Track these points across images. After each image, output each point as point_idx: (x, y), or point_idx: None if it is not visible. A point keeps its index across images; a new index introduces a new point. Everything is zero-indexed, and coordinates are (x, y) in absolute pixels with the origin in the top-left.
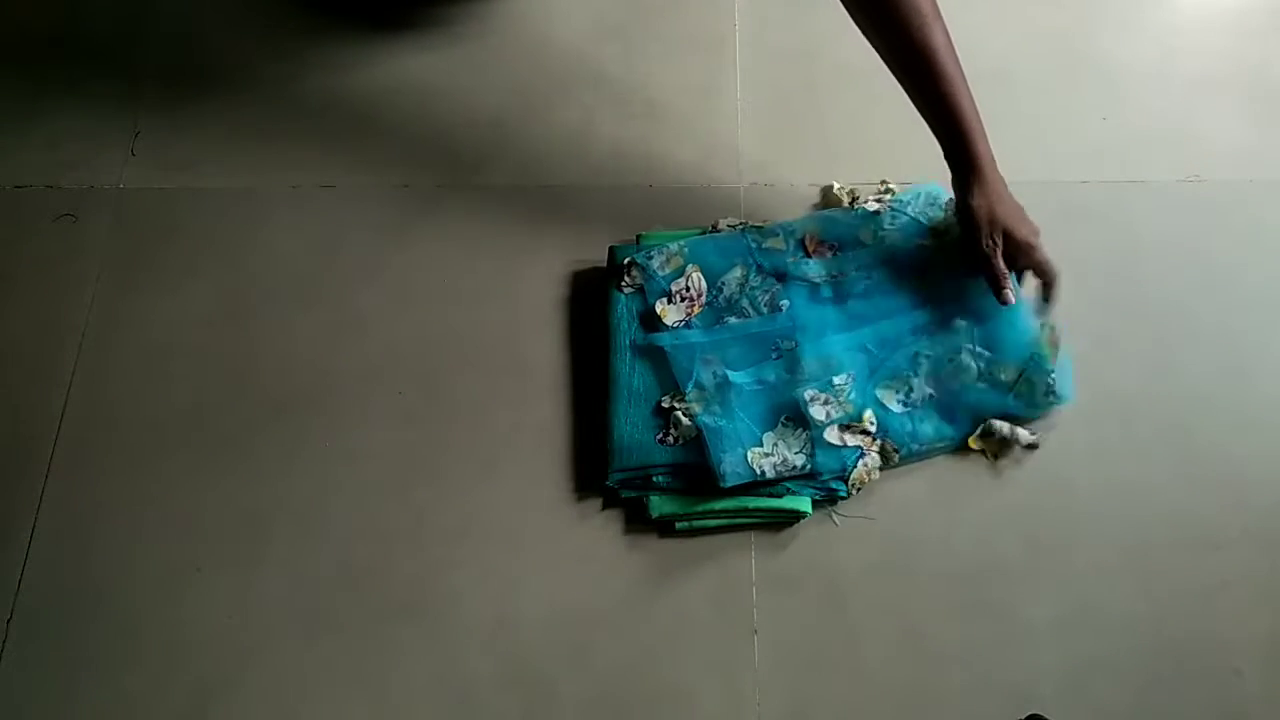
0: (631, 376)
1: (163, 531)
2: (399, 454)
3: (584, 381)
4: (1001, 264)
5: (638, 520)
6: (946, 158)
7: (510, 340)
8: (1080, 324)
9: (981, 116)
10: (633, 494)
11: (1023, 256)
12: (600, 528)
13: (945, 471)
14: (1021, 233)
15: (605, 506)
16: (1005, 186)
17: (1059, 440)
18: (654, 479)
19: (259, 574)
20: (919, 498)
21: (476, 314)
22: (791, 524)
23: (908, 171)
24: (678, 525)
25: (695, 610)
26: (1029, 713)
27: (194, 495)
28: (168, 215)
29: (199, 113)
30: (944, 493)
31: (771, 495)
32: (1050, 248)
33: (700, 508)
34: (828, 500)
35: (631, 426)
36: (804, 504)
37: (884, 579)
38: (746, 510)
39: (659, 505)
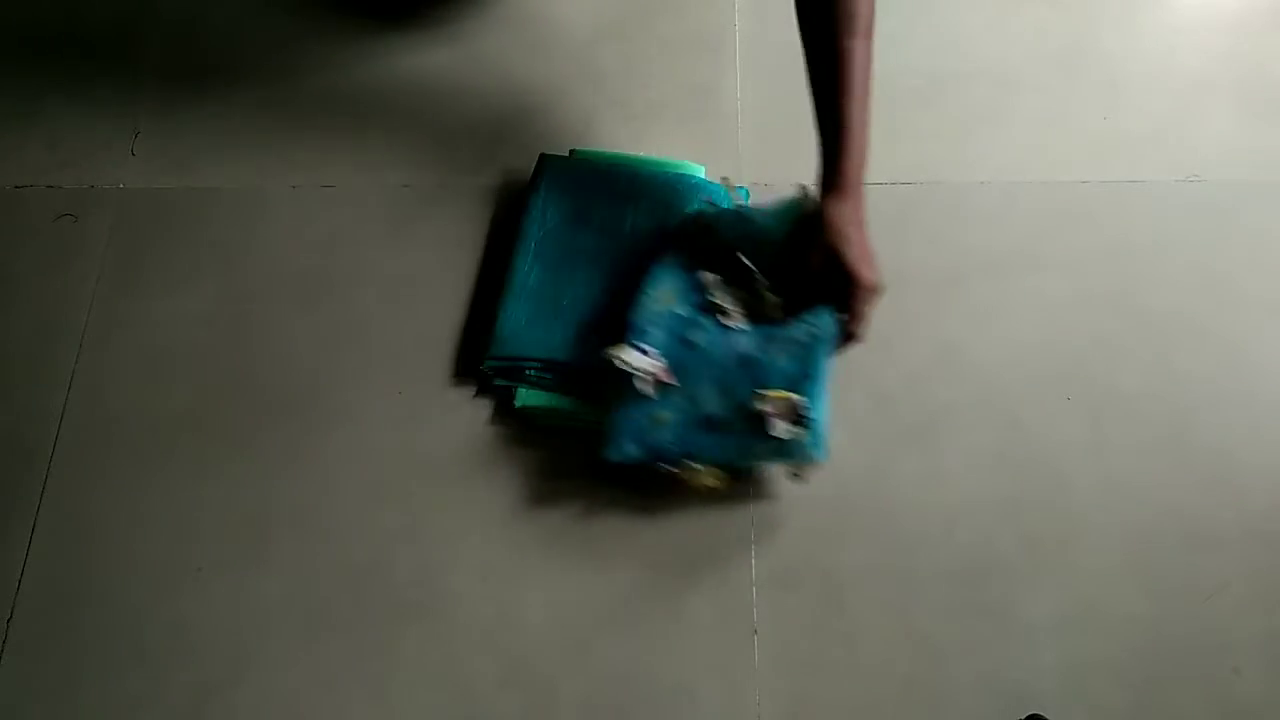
0: (529, 275)
1: (163, 531)
2: (399, 454)
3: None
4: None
5: (520, 423)
6: (821, 170)
7: None
8: (1080, 324)
9: (867, 154)
10: (504, 383)
11: (850, 289)
12: (601, 528)
13: (945, 470)
14: (857, 265)
15: (606, 505)
16: (863, 225)
17: (1059, 440)
18: (526, 373)
19: (259, 574)
20: (919, 497)
21: (476, 314)
22: None
23: (907, 171)
24: (538, 422)
25: (695, 610)
26: (1029, 713)
27: (194, 495)
28: (168, 215)
29: (199, 113)
30: (944, 492)
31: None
32: (1050, 248)
33: (560, 407)
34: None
35: (514, 320)
36: None
37: (884, 578)
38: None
39: (524, 397)
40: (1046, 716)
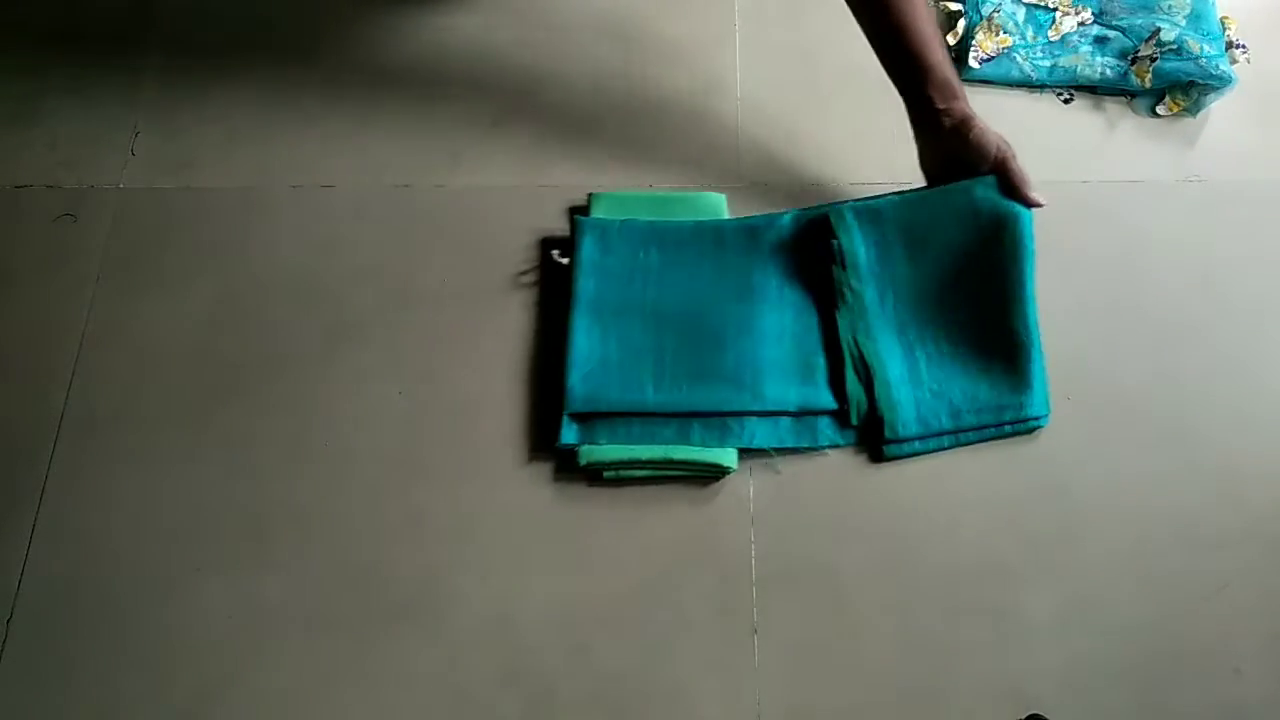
0: (589, 337)
1: (163, 531)
2: (399, 454)
3: None
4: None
5: (599, 485)
6: (909, 96)
7: (510, 339)
8: (1080, 324)
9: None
10: (574, 443)
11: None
12: (601, 528)
13: (945, 470)
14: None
15: (606, 505)
16: (973, 122)
17: (1059, 440)
18: (603, 429)
19: (259, 574)
20: (919, 497)
21: (477, 314)
22: (717, 479)
23: (909, 172)
24: (605, 474)
25: (695, 610)
26: (1029, 713)
27: (194, 495)
28: (168, 215)
29: (199, 113)
30: (945, 492)
31: (700, 446)
32: (1050, 247)
33: (627, 457)
34: (759, 454)
35: (586, 382)
36: (729, 457)
37: (884, 579)
38: (672, 462)
39: (588, 454)
40: (1046, 716)
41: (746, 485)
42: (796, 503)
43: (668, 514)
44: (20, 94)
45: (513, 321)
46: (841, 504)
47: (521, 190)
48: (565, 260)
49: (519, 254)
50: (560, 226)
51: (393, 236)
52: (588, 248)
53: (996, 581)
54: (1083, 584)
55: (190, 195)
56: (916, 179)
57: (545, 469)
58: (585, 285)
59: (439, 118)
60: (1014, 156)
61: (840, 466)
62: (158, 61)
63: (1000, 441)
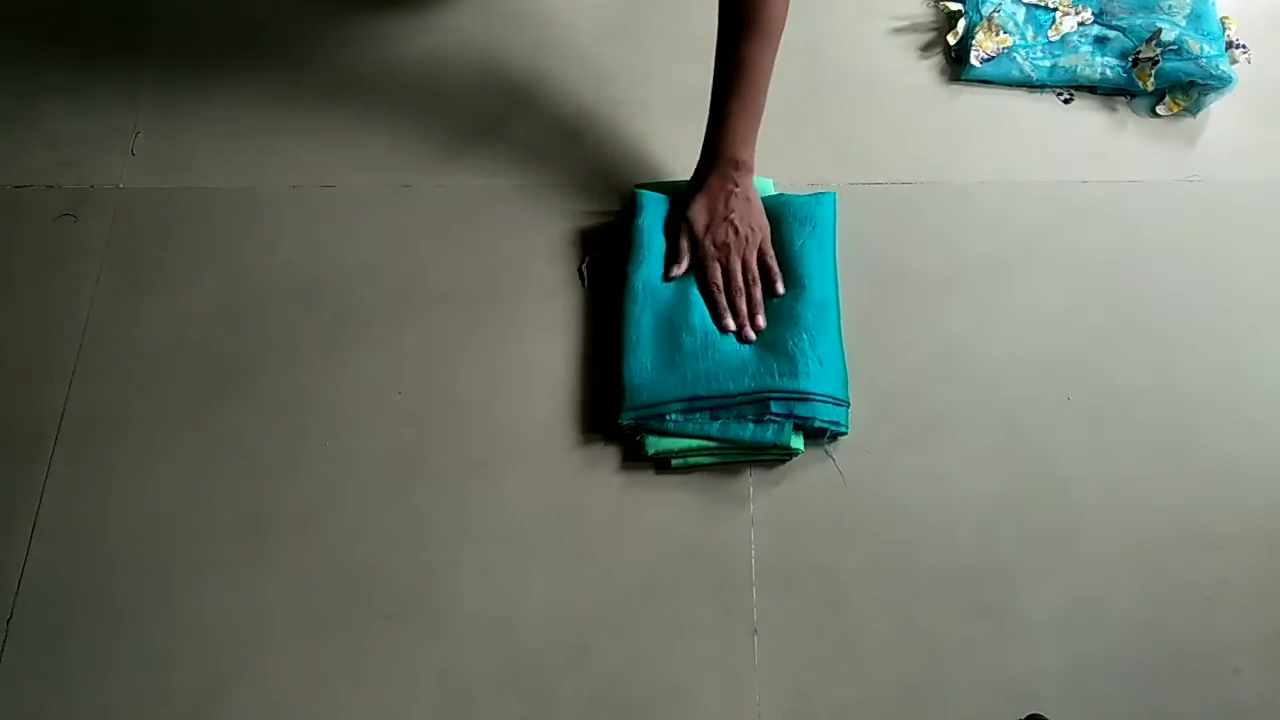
0: (640, 320)
1: (163, 531)
2: (399, 454)
3: (580, 382)
4: (715, 274)
5: (635, 463)
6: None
7: (510, 339)
8: (1080, 324)
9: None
10: (634, 423)
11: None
12: (601, 528)
13: (945, 470)
14: (720, 235)
15: (606, 505)
16: (724, 194)
17: (1060, 439)
18: (667, 418)
19: (259, 574)
20: (919, 497)
21: (476, 314)
22: (785, 460)
23: (910, 171)
24: (673, 463)
25: (695, 610)
26: (1029, 713)
27: (194, 495)
28: (168, 215)
29: (199, 113)
30: (945, 492)
31: (767, 425)
32: (1050, 248)
33: (695, 444)
34: (822, 435)
35: (642, 370)
36: (797, 440)
37: (884, 578)
38: (741, 446)
39: (654, 443)
40: (1046, 716)
41: (746, 485)
42: (796, 503)
43: (668, 515)
44: (20, 94)
45: (515, 322)
46: (841, 504)
47: (521, 190)
48: (585, 283)
49: (518, 252)
50: (558, 226)
51: (393, 236)
52: (643, 232)
53: (996, 581)
54: (1083, 584)
55: (190, 195)
56: (917, 177)
57: (547, 471)
58: (636, 269)
59: (439, 117)
60: (699, 235)
61: (840, 467)
62: (158, 61)
63: (1000, 441)
